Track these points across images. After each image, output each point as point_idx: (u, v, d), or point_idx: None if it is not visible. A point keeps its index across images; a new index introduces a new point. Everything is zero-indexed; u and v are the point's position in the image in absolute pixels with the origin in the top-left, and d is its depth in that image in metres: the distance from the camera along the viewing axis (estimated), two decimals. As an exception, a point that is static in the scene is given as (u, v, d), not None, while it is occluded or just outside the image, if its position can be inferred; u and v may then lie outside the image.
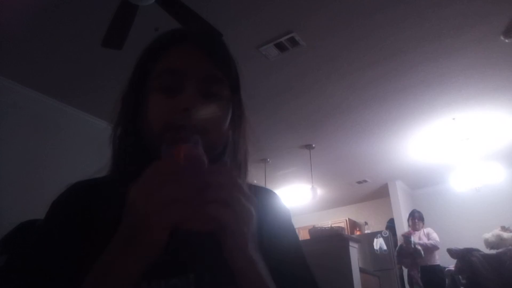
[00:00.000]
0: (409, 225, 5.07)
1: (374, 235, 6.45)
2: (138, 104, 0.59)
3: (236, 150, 0.62)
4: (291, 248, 0.62)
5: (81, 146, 3.94)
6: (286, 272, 0.57)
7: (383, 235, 6.33)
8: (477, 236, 4.87)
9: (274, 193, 0.69)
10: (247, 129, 0.65)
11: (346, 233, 5.91)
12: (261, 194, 0.66)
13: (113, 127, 0.61)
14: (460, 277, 4.30)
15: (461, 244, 4.43)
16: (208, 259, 0.52)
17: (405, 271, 5.30)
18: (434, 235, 4.76)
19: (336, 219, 7.25)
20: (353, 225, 7.35)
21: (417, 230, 4.87)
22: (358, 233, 7.08)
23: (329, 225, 5.43)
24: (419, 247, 4.55)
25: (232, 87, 0.62)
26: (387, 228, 6.54)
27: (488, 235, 4.60)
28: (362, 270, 4.11)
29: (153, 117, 0.56)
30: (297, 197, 6.60)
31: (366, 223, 7.28)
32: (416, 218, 4.94)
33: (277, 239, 0.60)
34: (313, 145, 5.19)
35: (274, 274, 0.55)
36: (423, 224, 4.98)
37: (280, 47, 3.31)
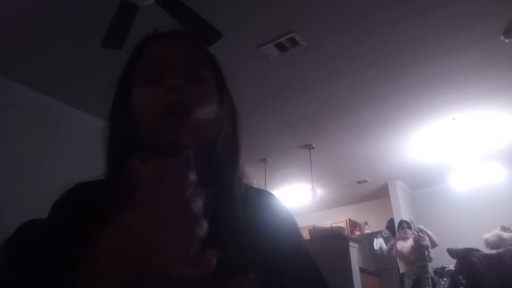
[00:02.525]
0: (398, 233, 5.09)
1: (374, 235, 6.45)
2: (127, 103, 0.59)
3: (231, 146, 0.61)
4: (296, 249, 0.62)
5: (80, 146, 3.94)
6: (293, 273, 0.57)
7: (383, 235, 6.33)
8: (477, 236, 4.87)
9: (272, 195, 0.68)
10: (241, 127, 0.64)
11: (346, 233, 5.91)
12: (260, 196, 0.66)
13: (103, 130, 0.61)
14: (460, 277, 4.30)
15: (461, 244, 4.43)
16: None
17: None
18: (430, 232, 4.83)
19: (336, 219, 7.24)
20: (353, 225, 7.35)
21: (408, 238, 4.90)
22: (358, 233, 7.08)
23: (329, 225, 5.43)
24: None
25: (215, 73, 0.62)
26: (387, 228, 6.54)
27: (488, 235, 4.61)
28: (362, 270, 4.11)
29: (141, 108, 0.56)
30: (297, 197, 6.59)
31: (366, 223, 7.28)
32: (406, 228, 4.99)
33: (280, 240, 0.59)
34: (313, 145, 5.19)
35: (280, 275, 0.56)
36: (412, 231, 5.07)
37: (280, 47, 3.31)
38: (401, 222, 5.23)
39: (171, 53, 0.59)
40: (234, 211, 0.56)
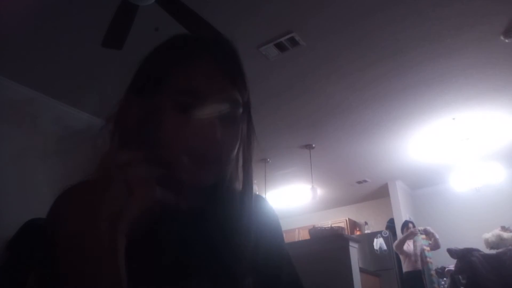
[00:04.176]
0: (402, 234, 5.20)
1: (374, 235, 6.45)
2: (146, 115, 0.55)
3: (243, 168, 0.61)
4: (280, 254, 0.64)
5: (80, 146, 3.93)
6: (275, 276, 0.60)
7: (383, 235, 6.33)
8: (477, 236, 4.87)
9: (263, 199, 0.69)
10: (255, 147, 0.63)
11: (346, 233, 5.92)
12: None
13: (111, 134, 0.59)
14: (460, 277, 4.30)
15: (461, 244, 4.43)
16: (208, 265, 0.53)
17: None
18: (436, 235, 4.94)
19: (336, 219, 7.24)
20: (353, 225, 7.35)
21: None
22: (358, 233, 7.08)
23: (329, 225, 5.43)
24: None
25: (245, 104, 0.60)
26: (387, 228, 6.54)
27: (488, 235, 4.61)
28: (362, 270, 4.11)
29: (170, 138, 0.52)
30: (297, 197, 6.59)
31: (366, 223, 7.28)
32: (412, 228, 5.08)
33: (266, 245, 0.61)
34: (313, 145, 5.19)
35: (272, 281, 0.57)
36: None
37: (280, 47, 3.31)
38: (406, 222, 5.30)
39: (212, 86, 0.55)
40: (228, 215, 0.58)
